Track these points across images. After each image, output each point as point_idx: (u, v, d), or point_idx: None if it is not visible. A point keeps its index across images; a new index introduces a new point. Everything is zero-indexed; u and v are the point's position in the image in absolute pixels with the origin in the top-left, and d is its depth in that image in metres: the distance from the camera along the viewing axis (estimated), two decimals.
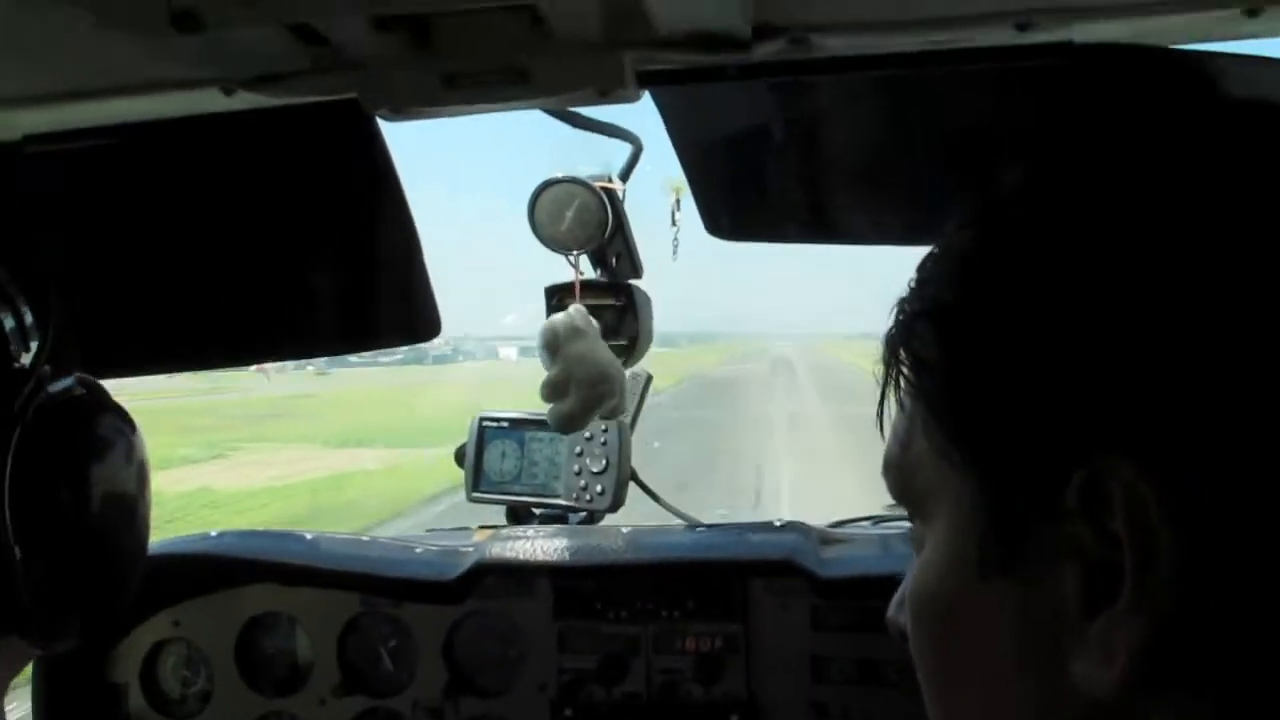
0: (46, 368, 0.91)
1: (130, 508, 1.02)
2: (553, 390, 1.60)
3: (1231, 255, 0.51)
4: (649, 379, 2.16)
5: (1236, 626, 0.51)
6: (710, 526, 2.04)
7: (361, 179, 1.33)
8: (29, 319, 0.91)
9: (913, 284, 0.64)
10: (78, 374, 0.97)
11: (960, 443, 0.60)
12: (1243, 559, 0.50)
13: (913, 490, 0.66)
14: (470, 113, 1.09)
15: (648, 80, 1.09)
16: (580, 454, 2.07)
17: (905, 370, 0.63)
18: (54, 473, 0.91)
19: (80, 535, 0.94)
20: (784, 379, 46.94)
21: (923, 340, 0.62)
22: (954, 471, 0.60)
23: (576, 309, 1.62)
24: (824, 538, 1.93)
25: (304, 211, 1.36)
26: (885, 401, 0.66)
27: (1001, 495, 0.58)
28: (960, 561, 0.61)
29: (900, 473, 0.67)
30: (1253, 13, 0.99)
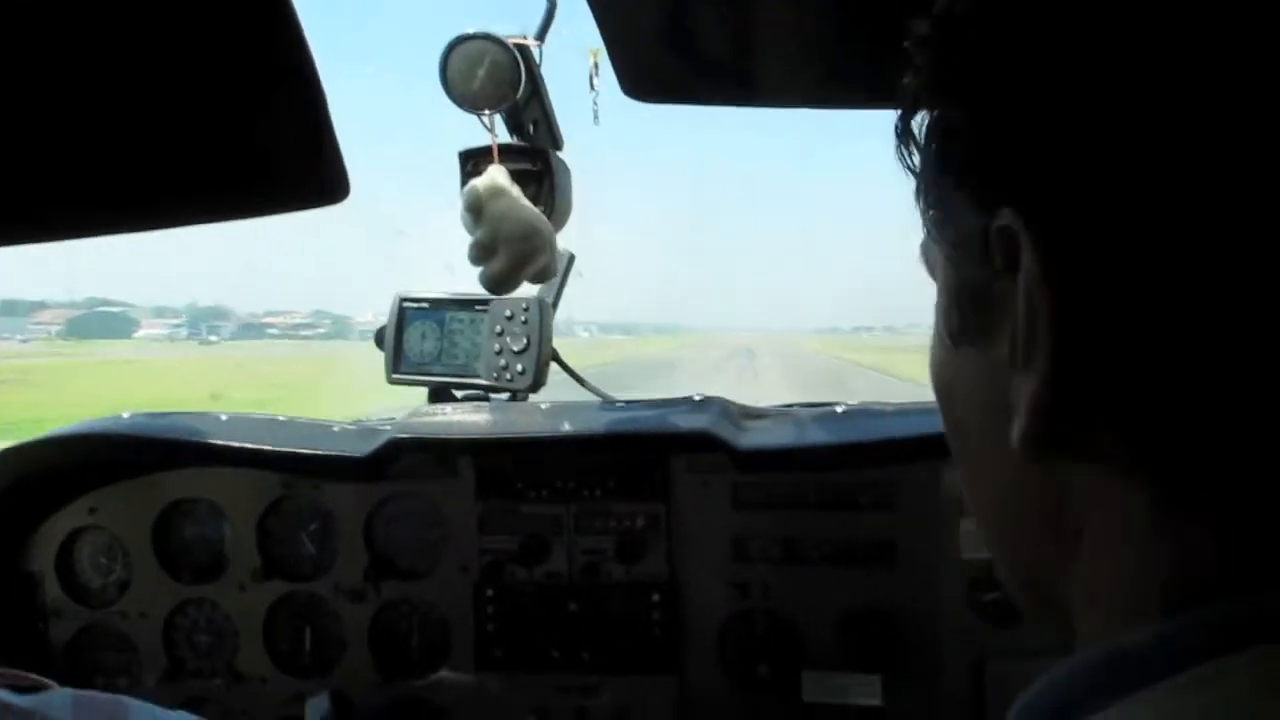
0: None
1: None
2: (482, 251, 1.56)
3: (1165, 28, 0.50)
4: (572, 258, 2.13)
5: (1126, 393, 0.51)
6: (630, 403, 2.03)
7: (261, 26, 1.27)
8: None
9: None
10: None
11: (931, 214, 0.62)
12: (1126, 326, 0.50)
13: (930, 268, 0.67)
14: None
15: None
16: (501, 333, 2.05)
17: (906, 150, 0.65)
18: None
19: None
20: (739, 364, 46.31)
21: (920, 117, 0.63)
22: (936, 245, 0.63)
23: (496, 168, 1.58)
24: (744, 413, 1.93)
25: (196, 60, 1.30)
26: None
27: (958, 262, 0.60)
28: (941, 334, 0.64)
29: (924, 252, 0.68)
30: None
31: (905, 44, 0.61)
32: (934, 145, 0.61)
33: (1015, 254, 0.53)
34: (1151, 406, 0.51)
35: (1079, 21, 0.51)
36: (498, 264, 1.55)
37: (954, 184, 0.58)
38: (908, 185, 0.65)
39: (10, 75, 1.26)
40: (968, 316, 0.60)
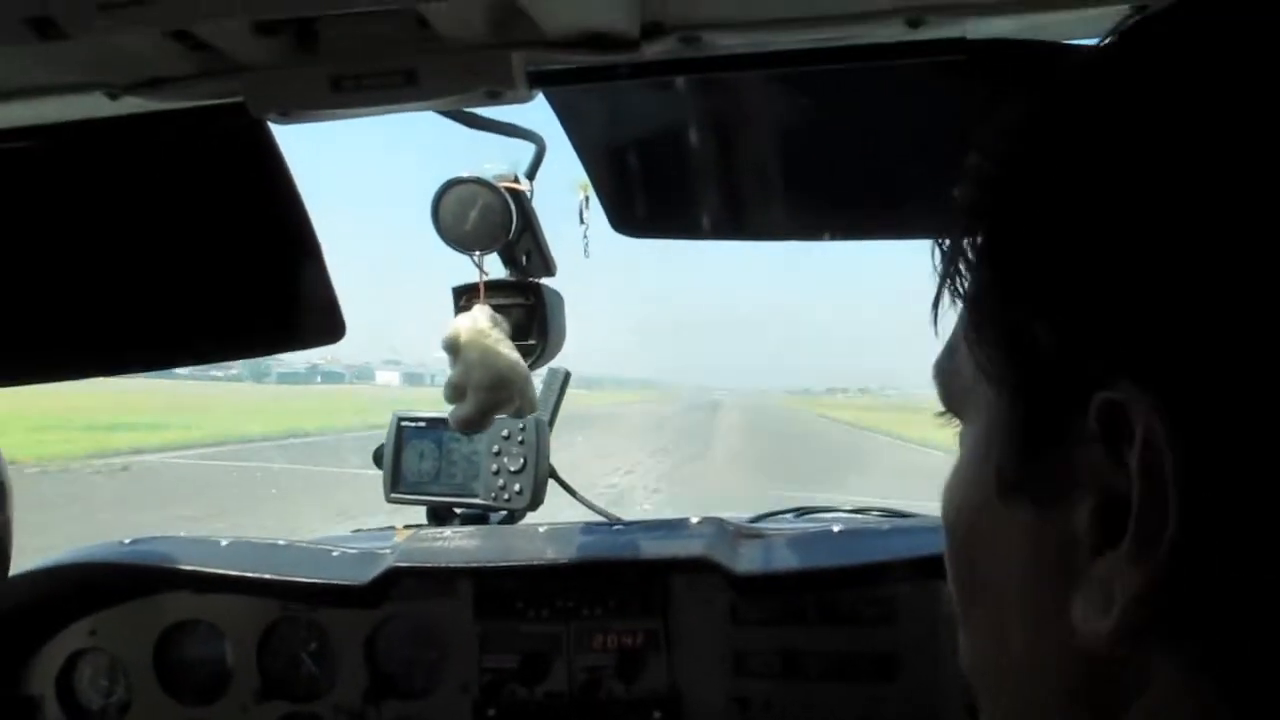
0: None
1: None
2: (453, 392, 1.59)
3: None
4: (567, 375, 2.16)
5: (1240, 584, 0.48)
6: (629, 524, 2.05)
7: (256, 182, 1.31)
8: None
9: (964, 175, 0.61)
10: None
11: (993, 353, 0.57)
12: (1252, 516, 0.47)
13: (953, 395, 0.64)
14: (359, 115, 1.08)
15: (539, 80, 1.08)
16: (498, 453, 2.07)
17: (955, 271, 0.61)
18: None
19: None
20: (694, 419, 44.74)
21: (970, 242, 0.60)
22: (987, 382, 0.58)
23: (481, 309, 1.61)
24: (741, 533, 1.94)
25: (196, 215, 1.34)
26: (939, 305, 0.63)
27: (1026, 412, 0.55)
28: (983, 478, 0.59)
29: (945, 376, 0.65)
30: (1141, 8, 1.01)
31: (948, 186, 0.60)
32: (1002, 281, 0.57)
33: (1119, 427, 0.49)
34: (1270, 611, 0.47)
35: (1181, 172, 0.48)
36: (465, 408, 1.58)
37: (1033, 331, 0.54)
38: (884, 251, 0.63)
39: (77, 252, 1.31)
40: (1029, 469, 0.55)
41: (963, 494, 0.61)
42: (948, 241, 0.61)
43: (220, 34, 0.94)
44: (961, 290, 0.61)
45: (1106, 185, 0.51)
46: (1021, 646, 0.57)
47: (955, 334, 0.63)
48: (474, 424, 1.60)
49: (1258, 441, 0.46)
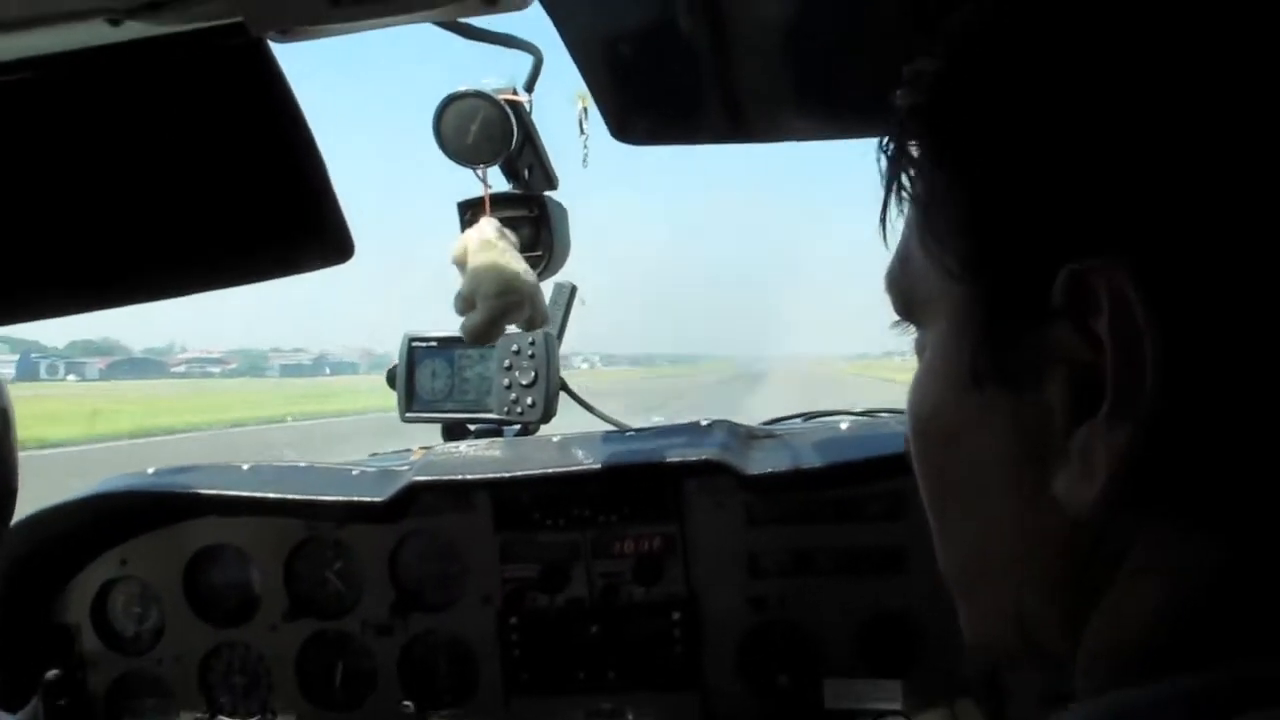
0: None
1: None
2: (463, 303, 1.61)
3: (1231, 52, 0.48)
4: (574, 289, 2.18)
5: (1223, 444, 0.49)
6: (639, 430, 2.08)
7: (258, 103, 1.31)
8: None
9: (904, 81, 0.61)
10: None
11: (951, 246, 0.57)
12: (1230, 371, 0.48)
13: (913, 302, 0.64)
14: (358, 29, 1.09)
15: None
16: (509, 368, 2.09)
17: (902, 176, 0.61)
18: None
19: None
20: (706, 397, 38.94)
21: (916, 141, 0.60)
22: (949, 279, 0.58)
23: (487, 221, 1.63)
24: (751, 434, 1.97)
25: (199, 141, 1.34)
26: (887, 211, 0.63)
27: (992, 299, 0.56)
28: (955, 371, 0.59)
29: (899, 285, 0.65)
30: None
31: (904, 68, 0.60)
32: (957, 179, 0.57)
33: (1086, 299, 0.50)
34: (1256, 463, 0.49)
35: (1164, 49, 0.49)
36: (475, 317, 1.60)
37: (996, 221, 0.55)
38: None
39: (84, 182, 1.32)
40: (1003, 356, 0.55)
41: (934, 394, 0.62)
42: (891, 145, 0.62)
43: None
44: (909, 194, 0.61)
45: (1063, 59, 0.52)
46: (1003, 535, 0.59)
47: (906, 241, 0.63)
48: (484, 333, 1.62)
49: (1228, 295, 0.48)
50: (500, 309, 1.60)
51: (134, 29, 1.11)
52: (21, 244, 1.34)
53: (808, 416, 2.36)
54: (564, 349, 2.19)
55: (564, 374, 2.15)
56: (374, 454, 2.43)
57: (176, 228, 1.38)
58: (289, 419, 29.32)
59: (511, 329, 1.72)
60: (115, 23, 1.10)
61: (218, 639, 2.07)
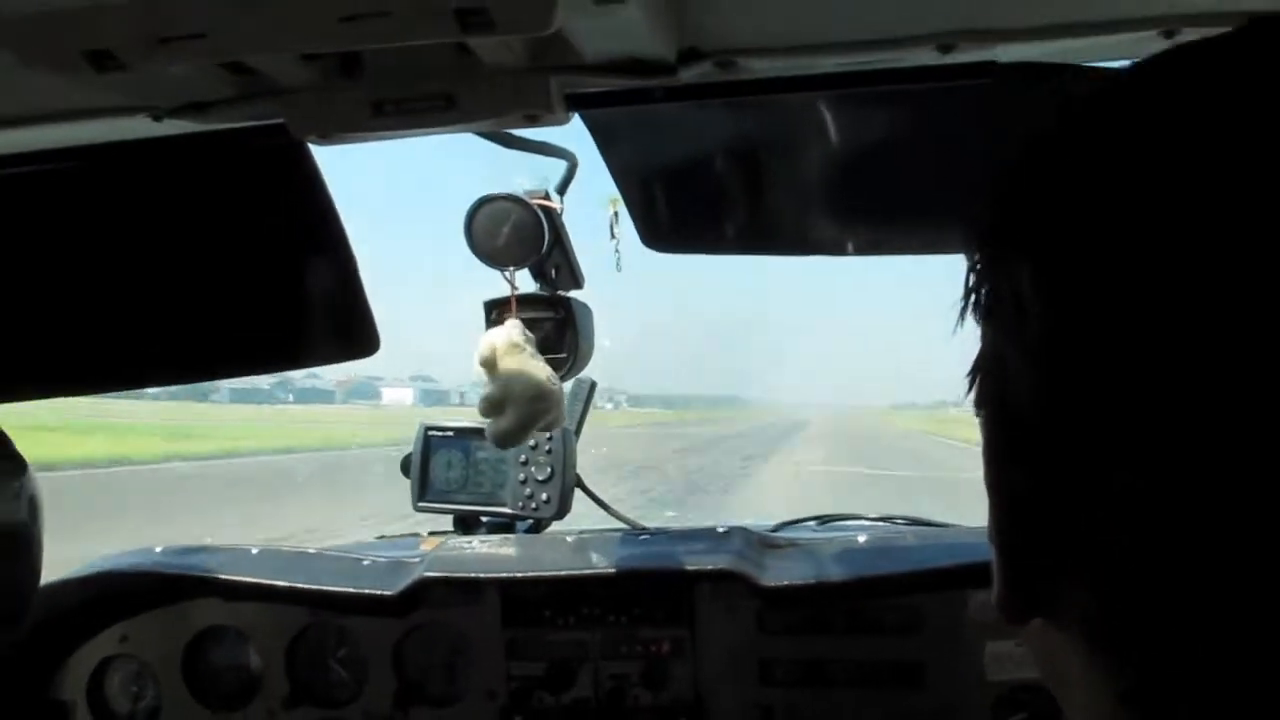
0: None
1: (18, 544, 1.02)
2: (490, 406, 1.61)
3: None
4: (593, 385, 2.18)
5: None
6: (654, 533, 2.06)
7: (294, 200, 1.33)
8: None
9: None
10: None
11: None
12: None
13: None
14: (398, 137, 1.10)
15: (576, 103, 1.09)
16: (525, 462, 2.09)
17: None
18: None
19: None
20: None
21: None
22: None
23: (513, 323, 1.63)
24: (766, 543, 1.95)
25: (237, 233, 1.36)
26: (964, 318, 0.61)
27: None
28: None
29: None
30: (1169, 34, 1.02)
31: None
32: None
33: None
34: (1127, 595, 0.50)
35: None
36: (505, 421, 1.60)
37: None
38: None
39: (120, 269, 1.34)
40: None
41: None
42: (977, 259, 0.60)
43: (266, 60, 0.96)
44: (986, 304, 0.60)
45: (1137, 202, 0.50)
46: None
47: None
48: (514, 437, 1.62)
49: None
50: (532, 414, 1.60)
51: (176, 125, 1.13)
52: (60, 324, 1.35)
53: (823, 520, 2.34)
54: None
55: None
56: (381, 536, 2.42)
57: (207, 315, 1.40)
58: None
59: None
60: (157, 119, 1.12)
61: None
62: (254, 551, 2.04)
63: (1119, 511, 0.49)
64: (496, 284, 1.73)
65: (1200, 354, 0.46)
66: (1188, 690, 0.49)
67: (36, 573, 1.08)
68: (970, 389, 0.61)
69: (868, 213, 1.48)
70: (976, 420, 0.61)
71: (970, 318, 0.60)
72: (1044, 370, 0.52)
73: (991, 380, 0.59)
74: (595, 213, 1.72)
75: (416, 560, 1.95)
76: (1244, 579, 0.46)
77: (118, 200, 1.32)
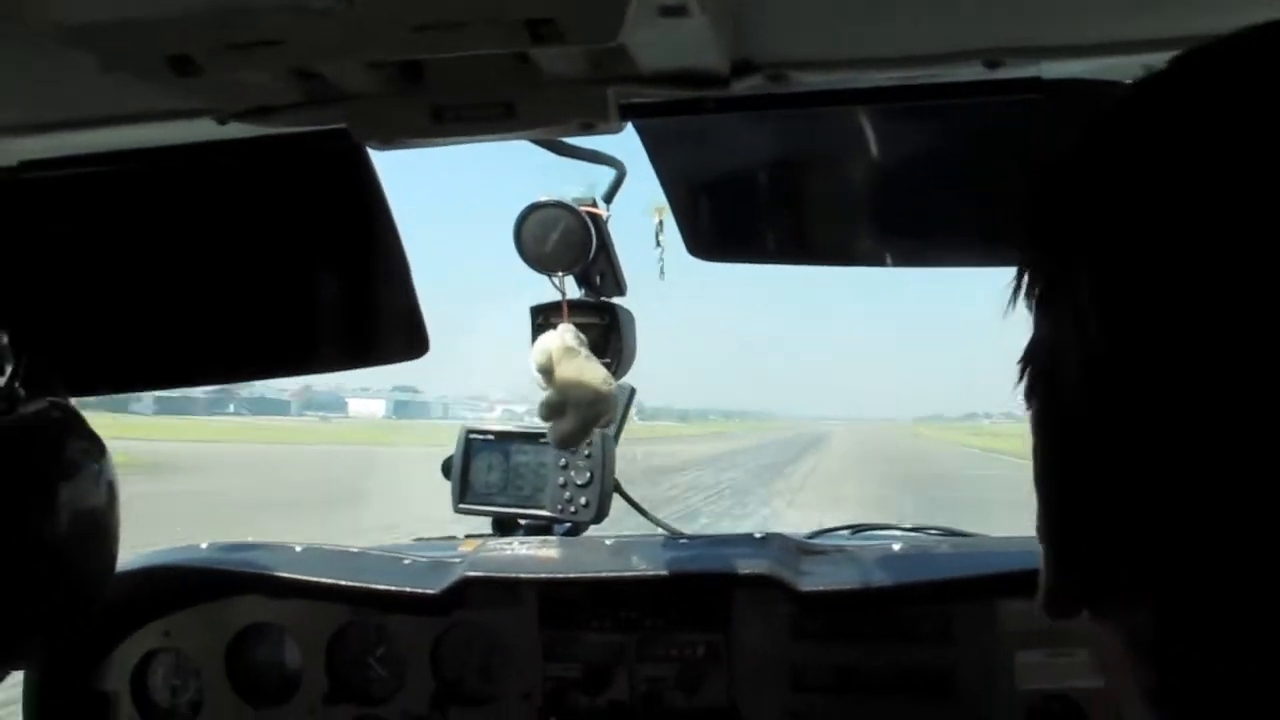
0: (19, 389, 0.93)
1: (97, 528, 1.04)
2: (550, 410, 1.64)
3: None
4: (633, 391, 2.20)
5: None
6: (692, 538, 2.08)
7: (351, 204, 1.36)
8: (3, 340, 0.94)
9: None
10: (51, 397, 0.99)
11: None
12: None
13: None
14: (457, 143, 1.12)
15: (630, 113, 1.12)
16: (565, 466, 2.11)
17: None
18: (19, 492, 0.93)
19: (44, 555, 0.96)
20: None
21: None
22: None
23: (566, 328, 1.66)
24: (803, 549, 1.96)
25: (295, 235, 1.39)
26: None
27: None
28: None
29: None
30: None
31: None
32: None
33: None
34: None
35: None
36: (566, 424, 1.63)
37: None
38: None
39: (183, 267, 1.37)
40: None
41: None
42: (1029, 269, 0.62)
43: (332, 66, 0.99)
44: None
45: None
46: None
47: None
48: (576, 439, 1.65)
49: None
50: (592, 416, 1.63)
51: (239, 128, 1.16)
52: (118, 322, 1.39)
53: (855, 529, 2.35)
54: None
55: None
56: (419, 538, 2.44)
57: (263, 315, 1.43)
58: None
59: None
60: (222, 121, 1.15)
61: (255, 717, 2.06)
62: (298, 549, 2.07)
63: (1180, 512, 0.50)
64: (490, 297, 1.76)
65: (1259, 360, 0.47)
66: (1224, 691, 0.51)
67: (113, 560, 1.11)
68: (1020, 379, 0.62)
69: (911, 225, 1.50)
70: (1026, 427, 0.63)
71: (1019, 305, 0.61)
72: (1102, 373, 0.53)
73: (1043, 375, 0.60)
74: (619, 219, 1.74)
75: (457, 560, 1.97)
76: None
77: (180, 201, 1.36)
